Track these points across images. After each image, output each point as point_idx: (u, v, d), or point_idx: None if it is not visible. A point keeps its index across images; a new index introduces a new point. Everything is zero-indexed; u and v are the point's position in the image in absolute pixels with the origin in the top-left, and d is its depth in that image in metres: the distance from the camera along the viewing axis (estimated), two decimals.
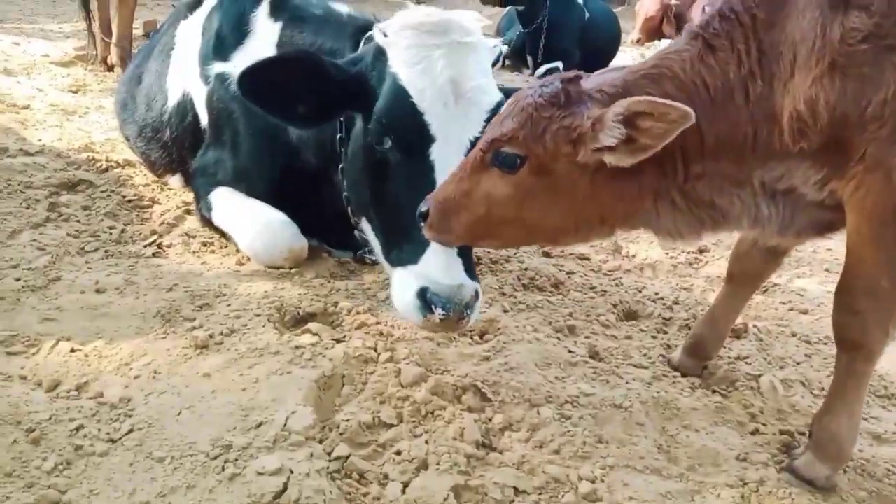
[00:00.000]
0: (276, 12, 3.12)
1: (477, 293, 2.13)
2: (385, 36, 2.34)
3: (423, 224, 1.98)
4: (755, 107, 1.75)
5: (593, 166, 1.77)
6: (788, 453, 2.07)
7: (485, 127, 2.11)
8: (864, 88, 1.63)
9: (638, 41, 12.81)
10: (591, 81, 1.85)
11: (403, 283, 2.15)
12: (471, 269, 2.18)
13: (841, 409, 1.91)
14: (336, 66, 2.41)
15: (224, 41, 3.16)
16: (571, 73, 1.89)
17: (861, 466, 2.06)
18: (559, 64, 8.38)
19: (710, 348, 2.46)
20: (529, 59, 8.50)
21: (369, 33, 2.57)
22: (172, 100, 3.39)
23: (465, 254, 2.16)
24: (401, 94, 2.24)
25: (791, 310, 3.05)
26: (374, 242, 2.49)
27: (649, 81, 1.80)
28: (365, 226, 2.56)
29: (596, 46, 8.88)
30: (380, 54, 2.36)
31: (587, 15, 8.68)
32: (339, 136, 2.58)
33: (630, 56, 10.80)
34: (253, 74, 2.31)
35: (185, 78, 3.32)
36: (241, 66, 2.92)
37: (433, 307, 2.04)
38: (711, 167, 1.81)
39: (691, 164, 1.80)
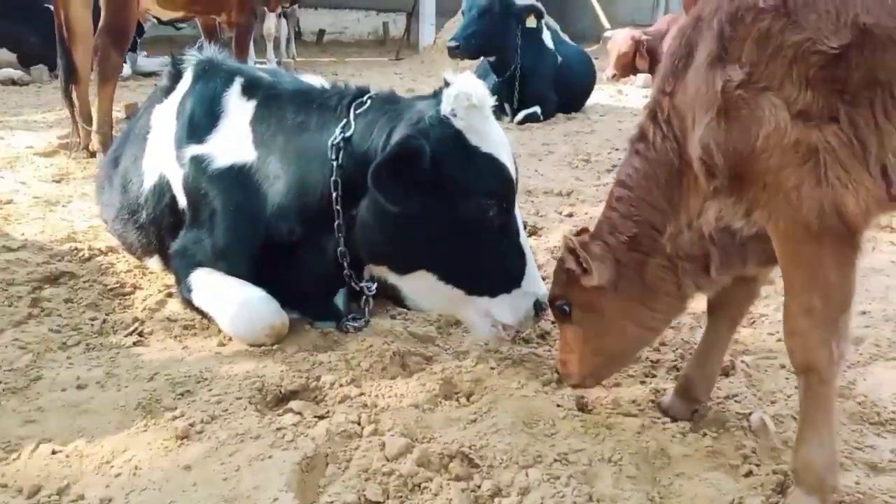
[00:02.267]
0: (248, 92, 3.19)
1: None
2: (458, 118, 2.59)
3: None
4: (679, 161, 2.04)
5: (607, 286, 2.20)
6: (783, 494, 2.04)
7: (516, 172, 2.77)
8: (749, 126, 1.82)
9: (613, 77, 13.05)
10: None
11: (511, 305, 2.74)
12: None
13: (810, 435, 1.92)
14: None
15: (198, 124, 3.21)
16: (577, 230, 2.46)
17: (857, 500, 2.02)
18: (537, 108, 8.53)
19: (699, 390, 2.44)
20: (507, 106, 8.62)
21: (359, 101, 2.85)
22: (149, 182, 3.42)
23: None
24: (503, 169, 2.67)
25: (779, 340, 3.02)
26: (430, 289, 2.79)
27: (615, 203, 2.23)
28: (403, 279, 2.84)
29: (571, 88, 9.05)
30: (457, 136, 2.60)
31: (559, 59, 8.83)
32: (335, 195, 2.74)
33: (607, 93, 10.99)
34: (381, 168, 2.51)
35: (161, 161, 3.36)
36: (216, 148, 3.03)
37: (538, 310, 2.74)
38: (677, 226, 2.10)
39: (664, 232, 2.13)
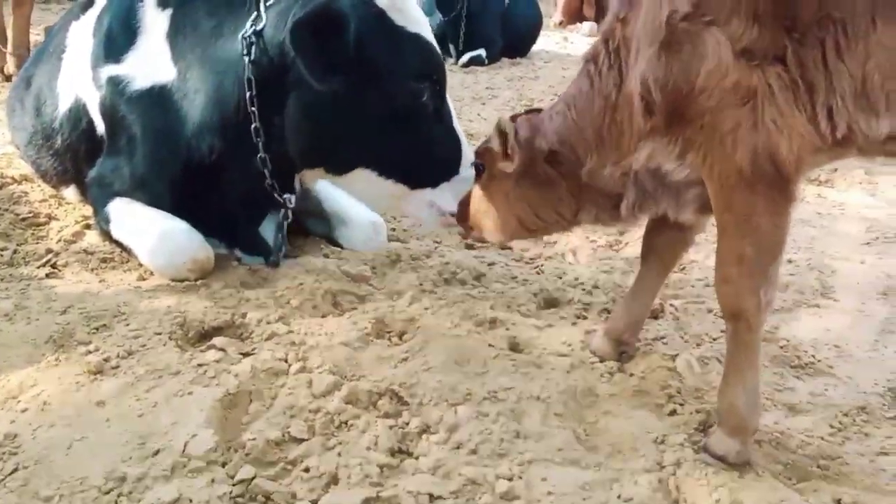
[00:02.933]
0: (163, 0, 2.95)
1: None
2: None
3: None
4: (618, 95, 1.98)
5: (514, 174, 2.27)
6: (705, 432, 2.08)
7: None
8: (690, 62, 1.77)
9: (560, 24, 12.95)
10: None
11: (457, 187, 2.66)
12: None
13: (735, 380, 1.94)
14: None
15: (115, 42, 2.99)
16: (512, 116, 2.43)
17: (776, 439, 2.08)
18: (482, 51, 8.37)
19: (627, 332, 2.45)
20: (451, 47, 8.43)
21: (269, 1, 2.59)
22: (64, 105, 3.19)
23: None
24: (432, 50, 2.58)
25: (707, 286, 3.08)
26: (371, 187, 2.70)
27: (553, 106, 2.26)
28: (341, 179, 2.77)
29: (518, 32, 8.91)
30: (378, 13, 2.48)
31: (506, 2, 8.66)
32: (249, 94, 2.57)
33: (553, 40, 10.89)
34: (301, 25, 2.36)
35: (78, 82, 3.13)
36: (134, 68, 2.82)
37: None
38: (600, 160, 2.08)
39: (584, 162, 2.12)
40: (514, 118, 2.37)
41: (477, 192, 2.47)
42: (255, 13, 2.60)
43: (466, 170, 2.65)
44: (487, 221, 2.46)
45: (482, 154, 2.39)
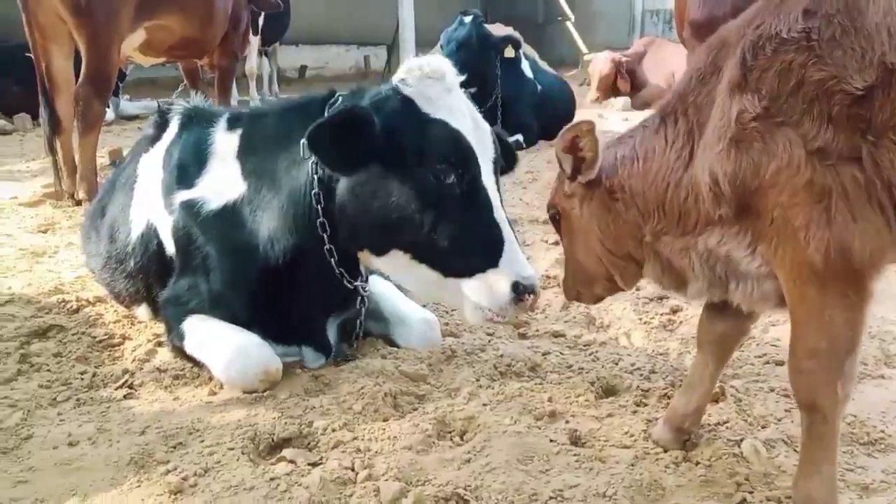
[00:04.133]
0: (233, 124, 3.24)
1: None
2: (409, 86, 2.63)
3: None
4: (684, 174, 2.02)
5: (580, 197, 2.28)
6: None
7: (495, 147, 2.74)
8: (759, 160, 1.82)
9: (596, 99, 13.26)
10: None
11: (488, 287, 2.55)
12: None
13: (811, 471, 1.93)
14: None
15: (186, 170, 3.24)
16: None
17: None
18: (520, 137, 8.61)
19: (689, 421, 2.45)
20: None
21: (332, 99, 2.86)
22: (136, 231, 3.44)
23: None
24: (454, 133, 2.60)
25: (767, 363, 3.06)
26: (408, 271, 2.75)
27: (616, 143, 2.28)
28: (382, 261, 2.80)
29: (553, 115, 9.13)
30: (406, 103, 2.62)
31: (539, 87, 8.95)
32: (314, 192, 2.77)
33: (589, 118, 11.10)
34: (320, 128, 2.54)
35: (149, 209, 3.38)
36: (207, 190, 3.05)
37: (525, 294, 2.51)
38: (664, 227, 2.11)
39: (647, 222, 2.15)
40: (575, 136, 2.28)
41: (563, 243, 2.51)
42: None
43: (508, 264, 2.56)
44: (573, 268, 2.47)
45: (554, 191, 2.42)
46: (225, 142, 3.19)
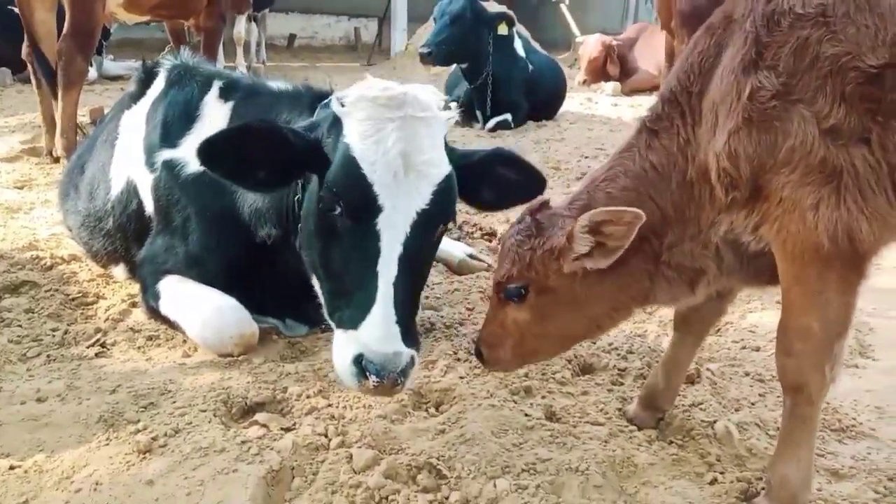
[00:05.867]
0: (226, 94, 3.17)
1: (413, 360, 2.16)
2: (342, 106, 2.39)
3: (480, 362, 2.32)
4: (694, 169, 1.95)
5: (581, 273, 2.03)
6: (748, 501, 2.06)
7: (433, 199, 2.31)
8: (776, 138, 1.78)
9: (584, 82, 13.23)
10: (562, 200, 2.18)
11: (342, 347, 2.21)
12: (410, 335, 2.22)
13: (790, 453, 1.93)
14: (294, 133, 2.47)
15: (171, 128, 3.18)
16: (538, 203, 2.21)
17: None
18: (508, 116, 8.57)
19: (663, 400, 2.46)
20: (479, 113, 8.66)
21: (325, 101, 2.64)
22: (116, 188, 3.38)
23: (404, 320, 2.20)
24: (352, 165, 2.29)
25: (743, 348, 3.08)
26: (322, 301, 2.52)
27: (608, 183, 2.08)
28: (315, 285, 2.58)
29: (543, 96, 9.12)
30: (335, 123, 2.42)
31: (531, 67, 8.89)
32: (296, 197, 2.63)
33: (577, 101, 11.09)
34: (213, 144, 2.36)
35: (130, 166, 3.32)
36: (190, 152, 2.98)
37: (367, 373, 2.09)
38: (679, 235, 2.01)
39: (663, 237, 2.02)
40: (535, 212, 2.16)
41: (518, 317, 2.15)
42: (310, 120, 2.66)
43: (365, 332, 2.15)
44: (540, 341, 2.19)
45: (524, 264, 2.08)
46: (216, 109, 3.13)
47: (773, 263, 1.95)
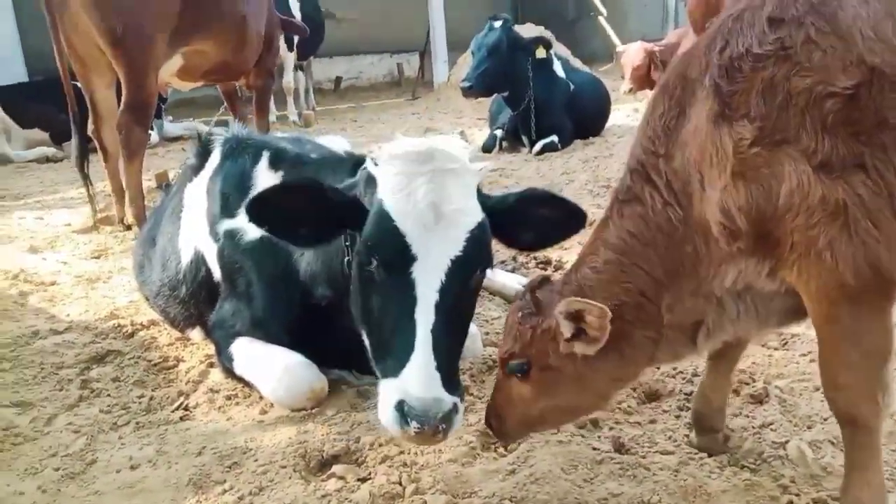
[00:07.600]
0: (275, 164, 3.36)
1: (456, 406, 2.20)
2: (375, 165, 2.53)
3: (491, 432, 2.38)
4: (684, 227, 1.91)
5: (578, 353, 2.02)
6: None
7: (466, 246, 2.36)
8: (770, 184, 1.74)
9: (630, 91, 13.11)
10: (561, 278, 2.20)
11: (385, 395, 2.26)
12: (453, 382, 2.27)
13: (857, 478, 1.90)
14: (333, 190, 2.61)
15: (229, 199, 3.39)
16: (538, 279, 2.24)
17: None
18: (554, 137, 8.61)
19: (715, 421, 2.46)
20: (524, 138, 8.73)
21: (364, 165, 2.75)
22: (186, 258, 3.60)
23: (445, 366, 2.25)
24: (384, 218, 2.39)
25: (812, 361, 3.02)
26: (369, 354, 2.60)
27: (592, 258, 2.09)
28: (364, 338, 2.66)
29: (586, 113, 9.14)
30: (370, 181, 2.55)
31: (572, 86, 8.93)
32: (346, 259, 2.73)
33: (624, 113, 11.03)
34: (260, 201, 2.52)
35: (196, 237, 3.53)
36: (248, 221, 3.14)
37: (409, 420, 2.13)
38: (676, 295, 1.98)
39: (660, 301, 1.99)
40: (535, 288, 2.18)
41: (522, 392, 2.18)
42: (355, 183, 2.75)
43: (405, 381, 2.20)
44: (545, 415, 2.21)
45: (524, 341, 2.11)
46: (267, 179, 3.31)
47: (785, 302, 1.94)
